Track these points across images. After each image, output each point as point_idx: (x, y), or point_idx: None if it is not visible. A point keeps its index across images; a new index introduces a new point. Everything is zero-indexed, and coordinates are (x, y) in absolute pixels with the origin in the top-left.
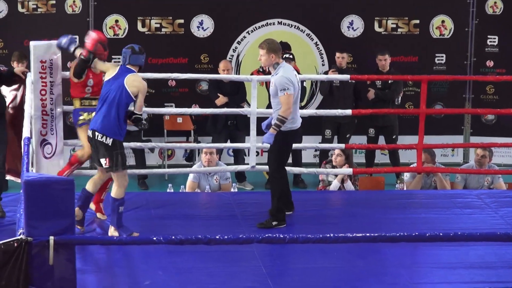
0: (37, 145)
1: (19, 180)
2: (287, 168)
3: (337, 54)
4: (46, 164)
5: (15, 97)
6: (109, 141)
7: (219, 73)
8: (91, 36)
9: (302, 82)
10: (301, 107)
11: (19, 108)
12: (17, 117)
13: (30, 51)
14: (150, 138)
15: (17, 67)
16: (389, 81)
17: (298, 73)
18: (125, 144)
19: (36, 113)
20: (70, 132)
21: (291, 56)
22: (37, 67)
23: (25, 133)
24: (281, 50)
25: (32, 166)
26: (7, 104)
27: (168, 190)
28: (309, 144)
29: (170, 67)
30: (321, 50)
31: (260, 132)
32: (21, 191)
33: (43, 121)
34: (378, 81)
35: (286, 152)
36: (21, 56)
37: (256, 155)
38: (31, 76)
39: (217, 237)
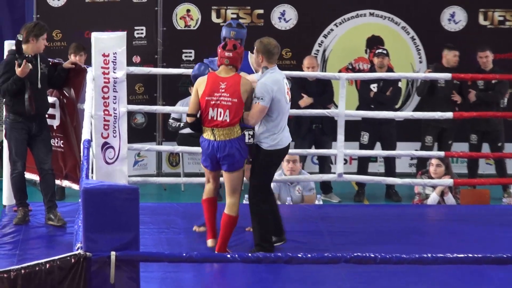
0: (97, 149)
1: (77, 187)
2: (380, 178)
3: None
4: (108, 170)
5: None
6: None
7: (303, 71)
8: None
9: (392, 82)
10: (396, 109)
11: (74, 107)
12: (75, 118)
13: (91, 44)
14: None
15: (70, 60)
16: (493, 81)
17: (392, 70)
18: (188, 149)
19: (97, 113)
20: (134, 135)
21: (384, 52)
22: (99, 62)
23: (85, 135)
24: (278, 54)
25: (92, 173)
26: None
27: (244, 202)
28: (403, 152)
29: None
30: (418, 45)
31: (348, 137)
32: (79, 200)
33: (105, 122)
34: (480, 81)
35: (267, 175)
36: (78, 47)
37: (344, 163)
38: (92, 72)
39: (299, 255)
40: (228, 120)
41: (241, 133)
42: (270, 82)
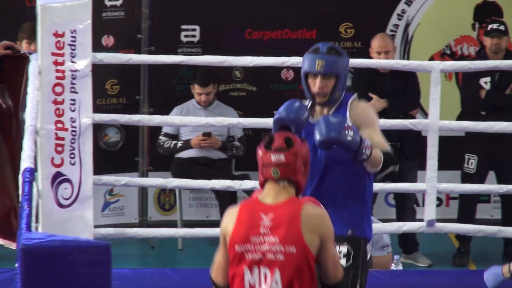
0: (46, 184)
1: (13, 246)
2: (494, 228)
3: None
4: (62, 217)
5: None
6: None
7: (371, 57)
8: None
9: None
10: None
11: (11, 118)
12: (11, 135)
13: (36, 17)
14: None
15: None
16: None
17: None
18: (189, 183)
19: (45, 126)
20: (104, 162)
21: (502, 27)
22: (49, 45)
23: (26, 161)
24: None
25: (37, 221)
26: None
27: None
28: None
29: (287, 47)
30: None
31: (444, 164)
32: (16, 265)
33: (57, 141)
34: None
35: None
36: (35, 31)
37: (438, 205)
38: (38, 61)
39: None
40: None
41: None
42: None
